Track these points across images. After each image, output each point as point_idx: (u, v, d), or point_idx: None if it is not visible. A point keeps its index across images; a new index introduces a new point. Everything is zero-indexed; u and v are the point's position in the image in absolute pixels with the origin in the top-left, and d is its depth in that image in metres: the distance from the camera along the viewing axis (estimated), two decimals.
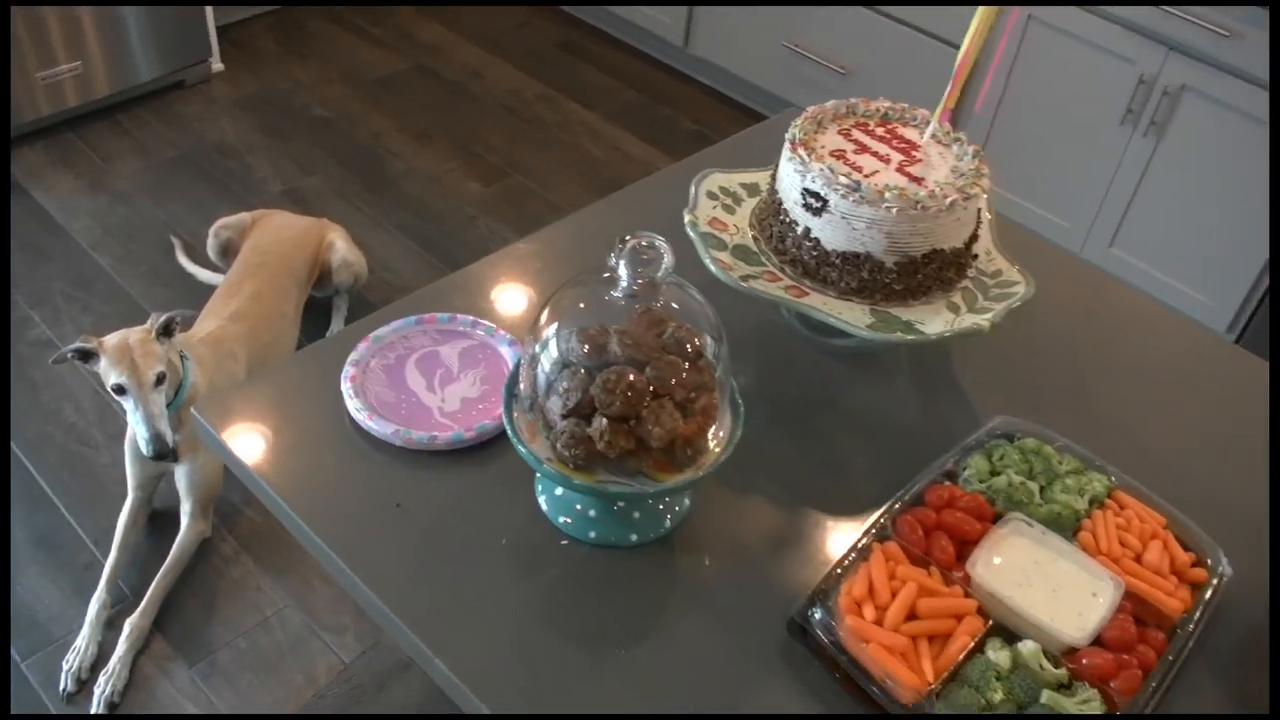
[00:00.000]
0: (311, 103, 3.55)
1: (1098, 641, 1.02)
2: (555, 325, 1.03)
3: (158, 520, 2.31)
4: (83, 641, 2.03)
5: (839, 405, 1.29)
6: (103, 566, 2.15)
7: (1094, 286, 1.59)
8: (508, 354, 1.25)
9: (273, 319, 2.42)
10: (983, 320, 1.20)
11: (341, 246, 2.67)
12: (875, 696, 0.98)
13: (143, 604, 2.10)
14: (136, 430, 2.04)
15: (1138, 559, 1.10)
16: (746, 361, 1.30)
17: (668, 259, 0.99)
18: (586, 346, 1.01)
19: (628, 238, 0.99)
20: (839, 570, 1.05)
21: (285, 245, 2.56)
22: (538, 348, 1.04)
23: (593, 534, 1.10)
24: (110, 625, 2.10)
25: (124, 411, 2.09)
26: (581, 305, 1.04)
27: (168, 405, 2.06)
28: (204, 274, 2.78)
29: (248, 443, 1.17)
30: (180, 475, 2.19)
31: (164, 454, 2.03)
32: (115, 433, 2.40)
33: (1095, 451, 1.20)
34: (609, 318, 1.03)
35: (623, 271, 0.99)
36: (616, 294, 1.01)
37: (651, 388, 1.00)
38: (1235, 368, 1.48)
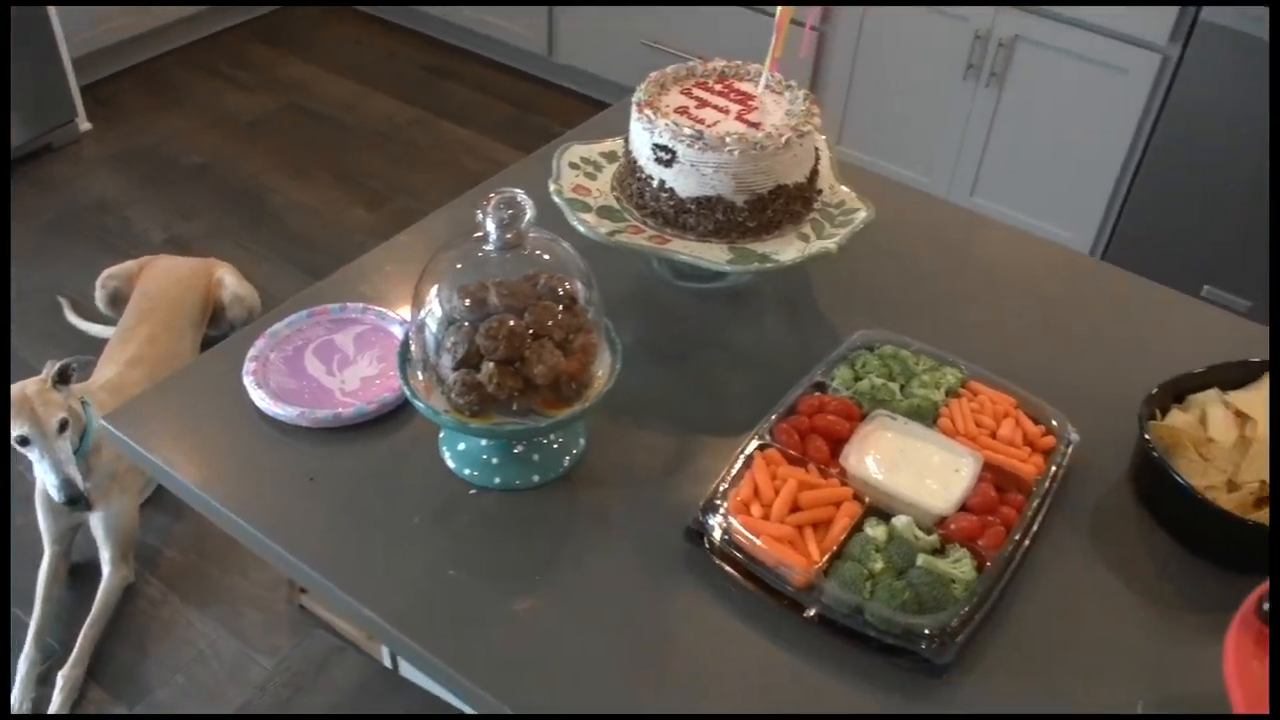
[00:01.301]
0: (184, 151, 3.57)
1: (964, 509, 1.13)
2: (436, 287, 1.10)
3: (79, 573, 2.32)
4: (16, 699, 2.04)
5: (714, 341, 1.39)
6: (27, 625, 2.15)
7: (933, 211, 1.73)
8: (400, 333, 1.32)
9: (170, 360, 2.45)
10: (830, 244, 1.31)
11: (231, 282, 2.70)
12: (771, 582, 1.07)
13: (73, 655, 2.11)
14: (45, 479, 2.06)
15: (993, 435, 1.22)
16: (626, 313, 1.38)
17: (530, 211, 1.07)
18: (468, 301, 1.09)
19: (492, 195, 1.07)
20: (726, 479, 1.14)
21: (174, 287, 2.60)
22: (423, 312, 1.12)
23: (497, 480, 1.17)
24: (43, 681, 2.11)
25: (30, 466, 2.11)
26: (459, 266, 1.12)
27: (74, 453, 2.08)
28: (96, 329, 2.79)
29: (162, 445, 1.22)
30: (96, 523, 2.21)
31: (76, 498, 2.05)
32: (23, 493, 2.41)
33: (948, 351, 1.31)
34: (485, 274, 1.11)
35: (491, 227, 1.07)
36: (489, 249, 1.09)
37: (531, 331, 1.08)
38: (1071, 269, 1.62)
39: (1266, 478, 1.16)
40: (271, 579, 2.34)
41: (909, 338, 1.32)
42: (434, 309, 1.10)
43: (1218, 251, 2.94)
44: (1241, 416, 1.23)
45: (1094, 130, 2.92)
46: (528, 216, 1.07)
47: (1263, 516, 1.14)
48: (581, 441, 1.23)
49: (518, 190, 1.08)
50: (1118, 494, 1.25)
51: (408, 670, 1.58)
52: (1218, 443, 1.20)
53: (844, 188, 1.42)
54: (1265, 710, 0.90)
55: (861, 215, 1.36)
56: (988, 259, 1.61)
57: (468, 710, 1.30)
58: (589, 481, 1.20)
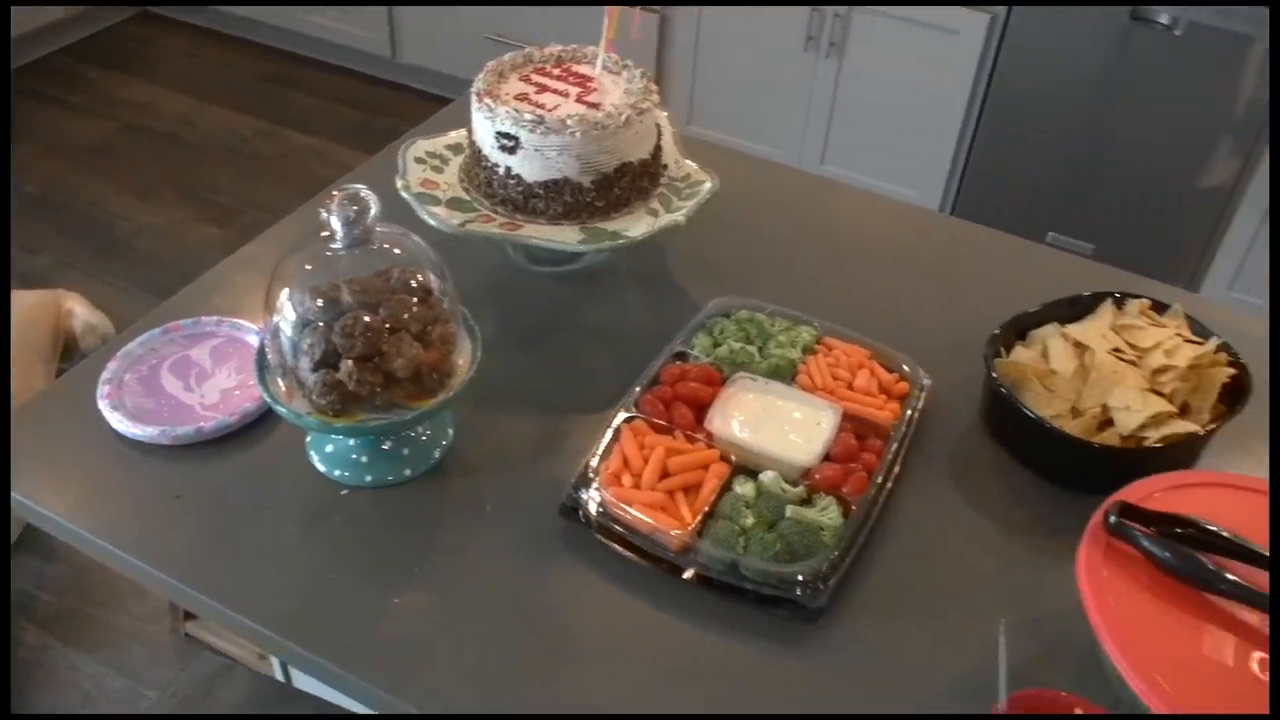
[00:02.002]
0: (21, 182, 3.45)
1: (828, 459, 1.17)
2: (287, 290, 1.10)
3: None
4: None
5: (575, 323, 1.40)
6: None
7: (780, 178, 1.77)
8: (256, 342, 1.30)
9: (24, 399, 2.37)
10: (678, 216, 1.34)
11: (82, 312, 2.63)
12: (648, 549, 1.10)
13: None
14: None
15: (850, 386, 1.26)
16: (485, 303, 1.39)
17: (375, 206, 1.07)
18: (320, 301, 1.09)
19: (335, 193, 1.07)
20: (596, 454, 1.16)
21: (20, 322, 2.51)
22: (276, 317, 1.11)
23: (368, 478, 1.17)
24: None
25: None
26: (308, 267, 1.11)
27: None
28: None
29: (21, 480, 1.18)
30: None
31: None
32: None
33: (802, 310, 1.35)
34: (336, 273, 1.11)
35: (336, 225, 1.07)
36: (337, 247, 1.08)
37: (387, 325, 1.08)
38: (918, 225, 1.68)
39: (1106, 402, 1.22)
40: (153, 610, 2.29)
41: (763, 301, 1.36)
42: (287, 313, 1.10)
43: (1058, 200, 3.06)
44: (1080, 347, 1.29)
45: (933, 92, 3.02)
46: (373, 211, 1.07)
47: (1105, 438, 1.20)
48: (450, 432, 1.23)
49: (360, 186, 1.08)
50: (972, 432, 1.30)
51: (302, 681, 1.57)
52: (1059, 374, 1.26)
53: (689, 162, 1.45)
54: (1115, 612, 0.95)
55: (707, 186, 1.39)
56: (837, 221, 1.66)
57: (364, 711, 1.30)
58: (461, 471, 1.21)
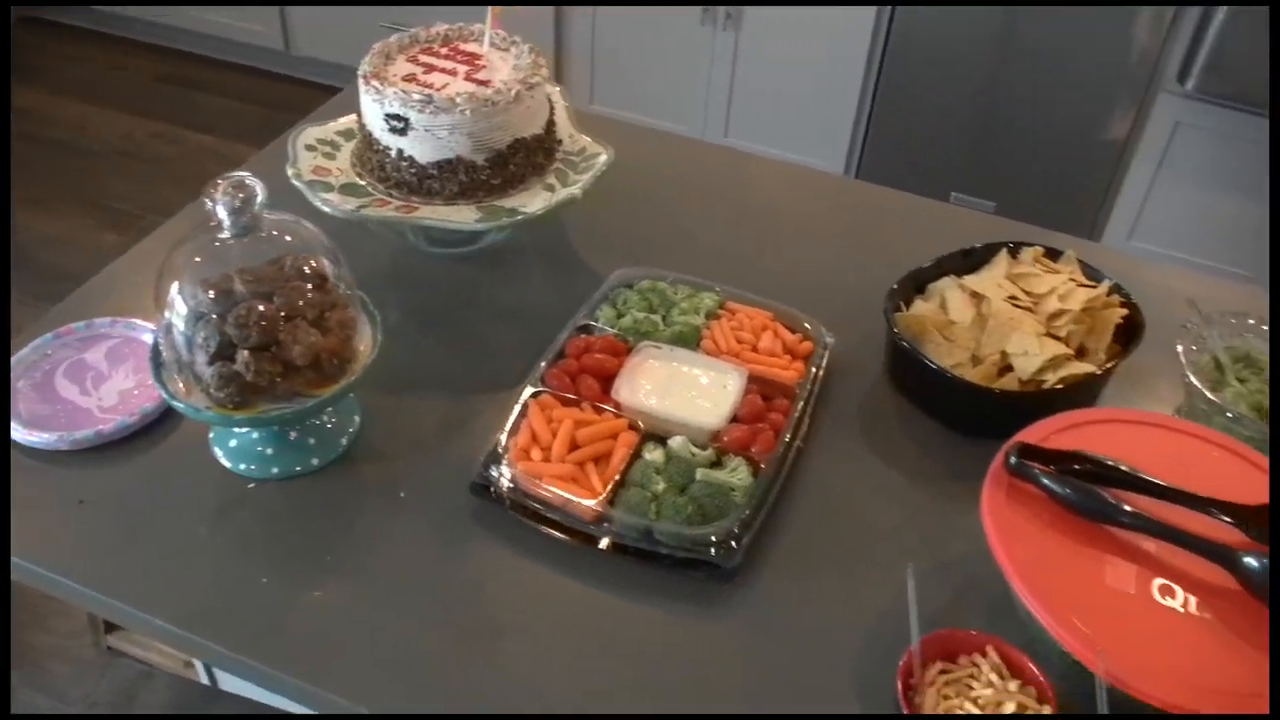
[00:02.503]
0: None
1: (735, 421, 1.18)
2: (177, 285, 1.08)
3: None
4: None
5: (479, 303, 1.40)
6: None
7: (679, 149, 1.78)
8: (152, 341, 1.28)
9: None
10: (575, 190, 1.33)
11: None
12: (562, 521, 1.10)
13: None
14: None
15: (754, 349, 1.27)
16: (387, 288, 1.38)
17: (261, 192, 1.06)
18: (212, 293, 1.07)
19: (218, 181, 1.05)
20: (504, 430, 1.15)
21: None
22: (168, 313, 1.09)
23: (275, 469, 1.16)
24: None
25: None
26: (198, 259, 1.09)
27: None
28: None
29: None
30: None
31: None
32: None
33: (706, 277, 1.36)
34: (227, 264, 1.09)
35: (223, 213, 1.05)
36: (225, 236, 1.07)
37: (283, 313, 1.07)
38: (821, 189, 1.70)
39: (1005, 349, 1.25)
40: (73, 627, 2.24)
41: (666, 270, 1.36)
42: (179, 307, 1.08)
43: (960, 160, 3.11)
44: (977, 297, 1.31)
45: (830, 59, 3.04)
46: (259, 198, 1.05)
47: (1004, 384, 1.23)
48: (357, 419, 1.22)
49: (243, 173, 1.06)
50: (878, 386, 1.32)
51: (229, 684, 1.55)
52: (958, 324, 1.28)
53: (584, 136, 1.45)
54: (1020, 551, 0.97)
55: (602, 159, 1.39)
56: (739, 189, 1.67)
57: (295, 710, 1.29)
58: (371, 457, 1.20)
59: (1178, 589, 0.97)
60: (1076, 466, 1.04)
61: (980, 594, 1.07)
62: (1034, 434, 1.09)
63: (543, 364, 1.22)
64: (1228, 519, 1.02)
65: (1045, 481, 1.02)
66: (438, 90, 1.31)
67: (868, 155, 3.20)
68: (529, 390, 1.19)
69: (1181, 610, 0.96)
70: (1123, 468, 1.04)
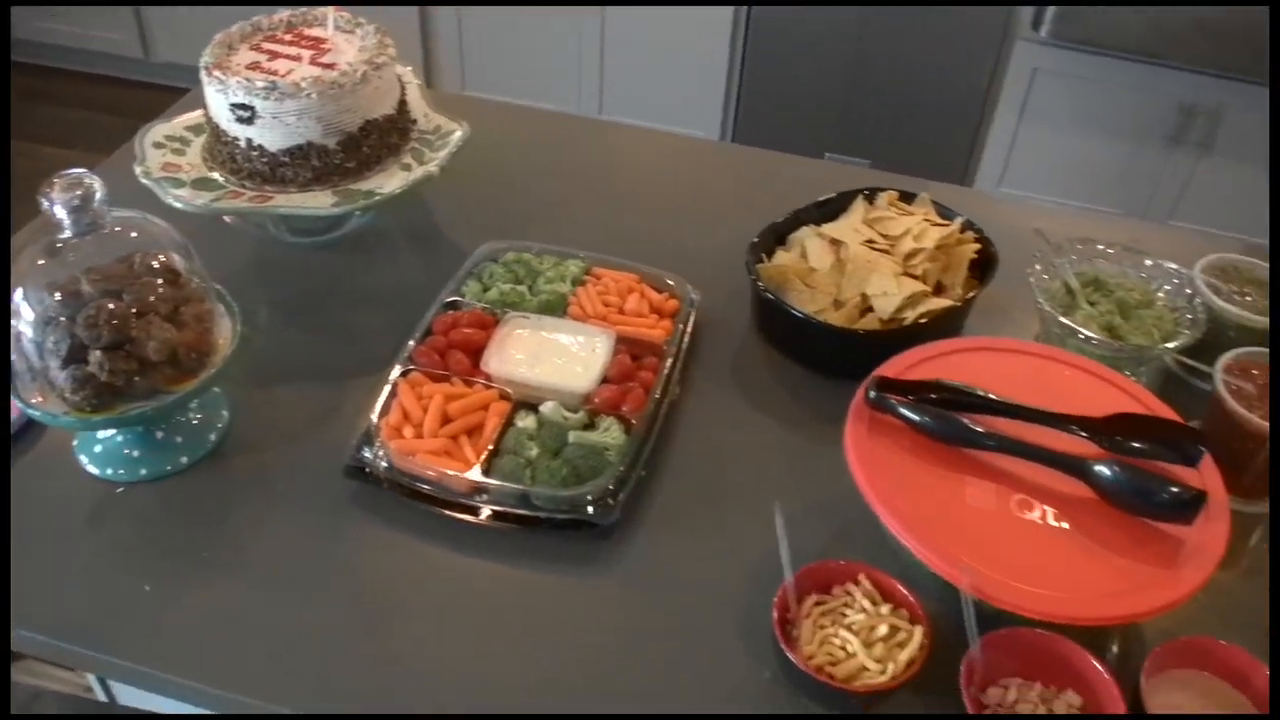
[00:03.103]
0: None
1: (606, 382, 1.19)
2: (21, 291, 1.05)
3: None
4: None
5: (346, 289, 1.39)
6: None
7: (543, 123, 1.79)
8: None
9: None
10: (432, 168, 1.33)
11: None
12: (440, 495, 1.10)
13: None
14: None
15: (621, 311, 1.28)
16: (252, 281, 1.36)
17: (99, 189, 1.04)
18: (59, 295, 1.04)
19: (54, 180, 1.03)
20: (374, 411, 1.15)
21: None
22: (15, 321, 1.06)
23: (144, 471, 1.14)
24: None
25: None
26: (41, 263, 1.06)
27: None
28: None
29: None
30: None
31: None
32: None
33: (573, 246, 1.36)
34: (73, 266, 1.06)
35: (61, 213, 1.03)
36: (67, 236, 1.04)
37: (134, 310, 1.05)
38: (692, 154, 1.71)
39: (865, 291, 1.27)
40: None
41: (530, 242, 1.37)
42: (25, 314, 1.05)
43: (832, 121, 3.16)
44: (836, 243, 1.34)
45: (697, 31, 3.06)
46: (98, 194, 1.03)
47: (866, 324, 1.26)
48: (225, 414, 1.20)
49: (79, 170, 1.04)
50: (748, 338, 1.34)
51: (127, 697, 1.52)
52: (819, 270, 1.31)
53: (439, 115, 1.44)
54: (884, 480, 1.00)
55: (457, 135, 1.39)
56: (605, 159, 1.67)
57: (189, 710, 1.27)
58: (243, 450, 1.19)
59: (1036, 503, 1.01)
60: (933, 395, 1.07)
61: (856, 529, 1.09)
62: (893, 367, 1.12)
63: (411, 342, 1.22)
64: (1083, 433, 1.06)
65: (903, 411, 1.05)
66: (282, 77, 1.30)
67: (741, 123, 3.23)
68: (398, 370, 1.19)
69: (1041, 523, 0.99)
70: (979, 392, 1.08)
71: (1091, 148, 3.01)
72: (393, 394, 1.17)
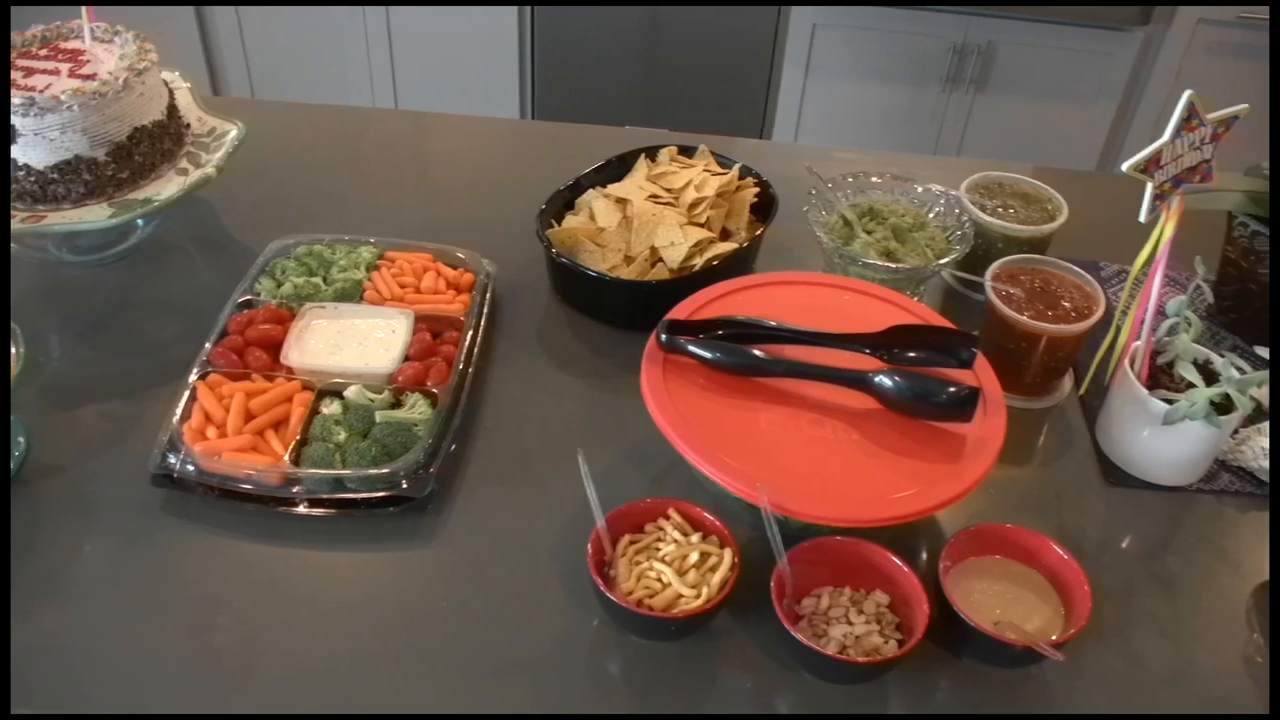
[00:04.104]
0: None
1: (409, 360, 1.20)
2: None
3: None
4: None
5: (140, 303, 1.36)
6: None
7: (323, 116, 1.77)
8: None
9: None
10: (209, 170, 1.32)
11: None
12: (252, 492, 1.09)
13: None
14: None
15: (418, 290, 1.29)
16: (40, 306, 1.33)
17: None
18: None
19: None
20: (175, 417, 1.13)
21: None
22: None
23: None
24: None
25: None
26: None
27: None
28: None
29: None
30: None
31: None
32: None
33: (367, 234, 1.37)
34: None
35: None
36: None
37: None
38: (485, 133, 1.72)
39: (654, 244, 1.31)
40: None
41: (321, 234, 1.36)
42: None
43: (630, 94, 3.20)
44: (621, 202, 1.37)
45: (484, 15, 3.06)
46: None
47: (657, 275, 1.30)
48: (22, 440, 1.17)
49: None
50: (549, 303, 1.37)
51: None
52: (608, 230, 1.34)
53: (213, 117, 1.43)
54: (682, 418, 1.04)
55: (232, 134, 1.37)
56: (394, 145, 1.68)
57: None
58: (46, 475, 1.15)
59: (827, 419, 1.06)
60: (720, 332, 1.11)
61: (669, 470, 1.13)
62: (683, 310, 1.16)
63: (207, 345, 1.21)
64: (865, 349, 1.12)
65: (693, 349, 1.09)
66: (41, 92, 1.26)
67: (540, 104, 3.26)
68: (195, 373, 1.17)
69: (833, 437, 1.05)
70: (765, 323, 1.12)
71: (876, 94, 3.13)
72: (193, 398, 1.15)
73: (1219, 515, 1.19)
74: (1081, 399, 1.30)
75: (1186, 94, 1.00)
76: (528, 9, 3.05)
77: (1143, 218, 1.05)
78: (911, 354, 1.10)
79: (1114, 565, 1.12)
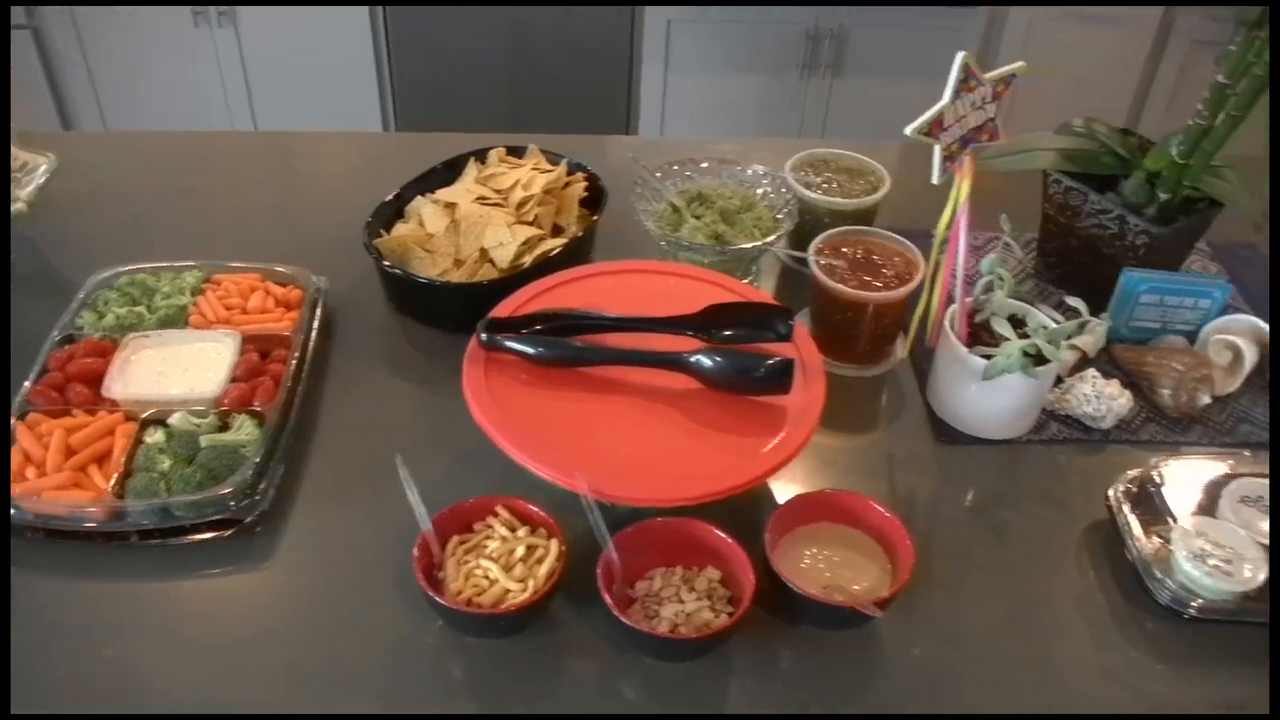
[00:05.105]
0: None
1: (236, 382, 1.18)
2: None
3: None
4: None
5: None
6: None
7: (152, 142, 1.74)
8: None
9: None
10: (20, 205, 1.29)
11: None
12: (77, 528, 1.06)
13: None
14: None
15: (244, 311, 1.28)
16: None
17: None
18: None
19: None
20: None
21: None
22: None
23: None
24: None
25: None
26: None
27: None
28: None
29: None
30: None
31: None
32: None
33: (193, 258, 1.35)
34: None
35: None
36: None
37: None
38: (325, 149, 1.70)
39: (483, 245, 1.31)
40: None
41: (142, 263, 1.34)
42: None
43: (495, 103, 3.20)
44: (450, 206, 1.37)
45: (336, 31, 3.03)
46: None
47: (487, 275, 1.30)
48: None
49: None
50: (384, 314, 1.36)
51: None
52: (436, 235, 1.34)
53: (23, 151, 1.39)
54: (505, 417, 1.04)
55: (43, 167, 1.35)
56: (227, 166, 1.66)
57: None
58: None
59: (649, 404, 1.07)
60: (539, 326, 1.12)
61: (511, 471, 1.12)
62: (505, 307, 1.16)
63: (26, 384, 1.18)
64: (688, 331, 1.13)
65: (512, 345, 1.09)
66: None
67: (402, 118, 3.23)
68: (14, 415, 1.15)
69: (656, 420, 1.06)
70: (585, 313, 1.13)
71: (738, 85, 3.17)
72: (11, 440, 1.12)
73: (1049, 463, 1.22)
74: (914, 363, 1.33)
75: (960, 55, 1.03)
76: (381, 22, 3.03)
77: (935, 179, 1.08)
78: (730, 332, 1.12)
79: (946, 521, 1.15)
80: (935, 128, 1.05)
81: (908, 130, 1.03)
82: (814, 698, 0.97)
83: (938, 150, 1.06)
